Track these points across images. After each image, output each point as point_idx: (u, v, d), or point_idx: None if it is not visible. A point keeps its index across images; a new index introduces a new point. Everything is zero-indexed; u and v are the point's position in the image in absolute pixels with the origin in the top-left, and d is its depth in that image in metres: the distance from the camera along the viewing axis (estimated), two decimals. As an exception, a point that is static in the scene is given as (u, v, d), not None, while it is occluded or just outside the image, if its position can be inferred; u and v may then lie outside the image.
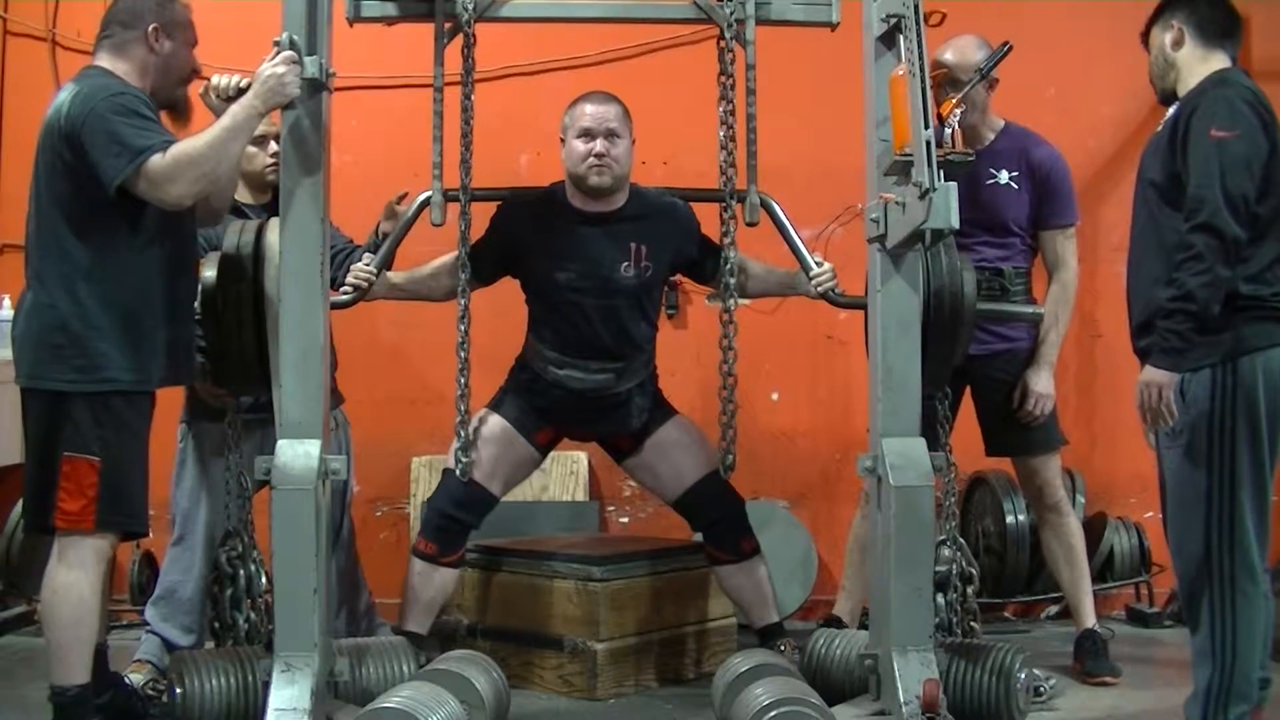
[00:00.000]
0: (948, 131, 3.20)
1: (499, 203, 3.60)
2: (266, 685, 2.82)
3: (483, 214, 3.51)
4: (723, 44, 3.36)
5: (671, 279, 4.41)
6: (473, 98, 3.30)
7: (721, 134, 3.37)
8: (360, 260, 3.44)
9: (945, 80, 3.58)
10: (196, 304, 3.07)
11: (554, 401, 3.56)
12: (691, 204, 3.62)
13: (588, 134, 3.45)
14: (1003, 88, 3.73)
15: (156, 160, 2.79)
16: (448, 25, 3.33)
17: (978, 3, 3.95)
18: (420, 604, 3.49)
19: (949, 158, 2.81)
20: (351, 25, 3.31)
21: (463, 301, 3.36)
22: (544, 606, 3.62)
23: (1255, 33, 4.18)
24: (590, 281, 3.48)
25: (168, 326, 2.96)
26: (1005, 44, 3.58)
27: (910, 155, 2.70)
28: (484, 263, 3.48)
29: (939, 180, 2.62)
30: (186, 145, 2.82)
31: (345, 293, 3.36)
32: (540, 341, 3.56)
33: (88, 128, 2.82)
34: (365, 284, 3.36)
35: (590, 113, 3.47)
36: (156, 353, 2.93)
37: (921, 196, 2.64)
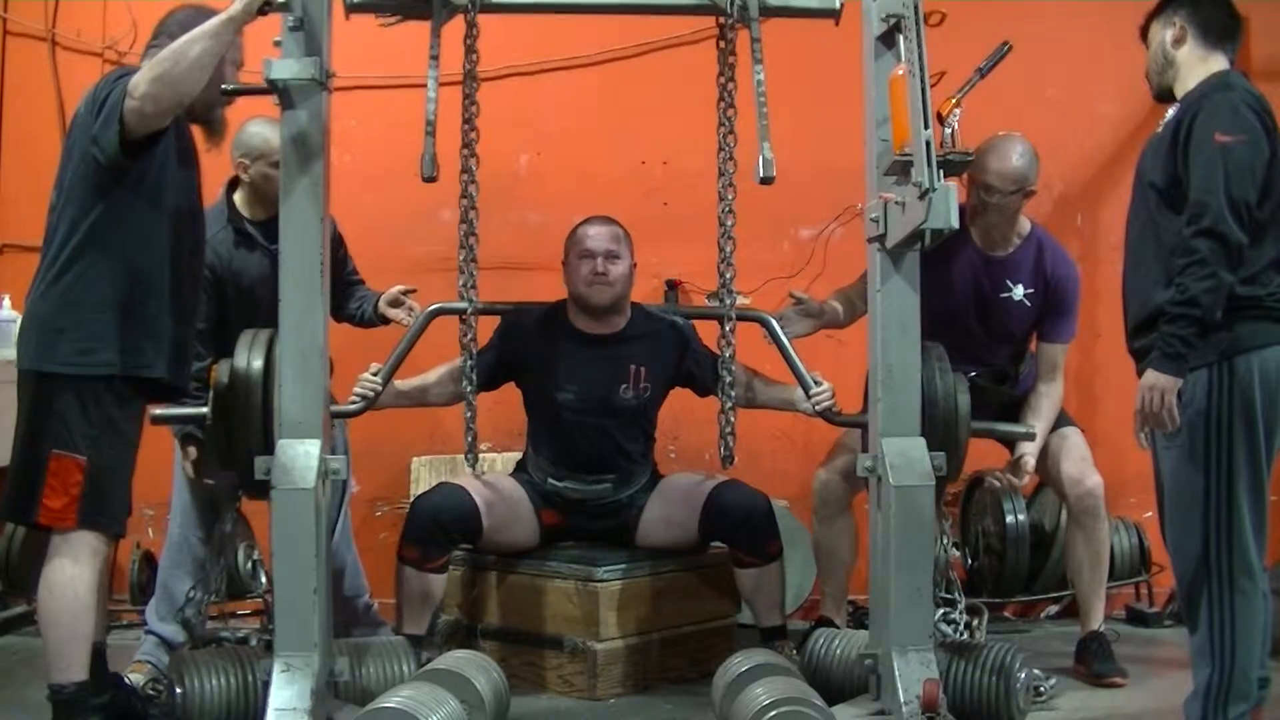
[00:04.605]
0: (948, 131, 3.21)
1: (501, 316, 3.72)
2: (266, 685, 2.82)
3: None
4: (723, 32, 3.34)
5: (671, 281, 4.42)
6: (476, 76, 3.31)
7: (719, 134, 3.38)
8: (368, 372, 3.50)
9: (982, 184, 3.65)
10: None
11: (555, 506, 3.68)
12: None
13: (589, 254, 3.60)
14: (1003, 88, 3.73)
15: (133, 78, 2.80)
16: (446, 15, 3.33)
17: (978, 3, 3.95)
18: (413, 606, 3.51)
19: (949, 157, 2.81)
20: (348, 16, 3.29)
21: (470, 297, 3.37)
22: (544, 606, 3.62)
23: (1255, 33, 4.18)
24: (588, 403, 3.61)
25: (171, 319, 2.96)
26: (1005, 44, 3.58)
27: (910, 155, 2.70)
28: (484, 371, 3.58)
29: (939, 180, 2.62)
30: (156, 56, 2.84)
31: (353, 403, 3.43)
32: (539, 454, 3.71)
33: (95, 101, 2.87)
34: (372, 394, 3.43)
35: (591, 234, 3.64)
36: (160, 339, 2.94)
37: (921, 196, 2.64)
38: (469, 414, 3.49)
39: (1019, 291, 3.72)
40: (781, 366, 3.53)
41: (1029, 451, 3.65)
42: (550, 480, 3.66)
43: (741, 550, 3.61)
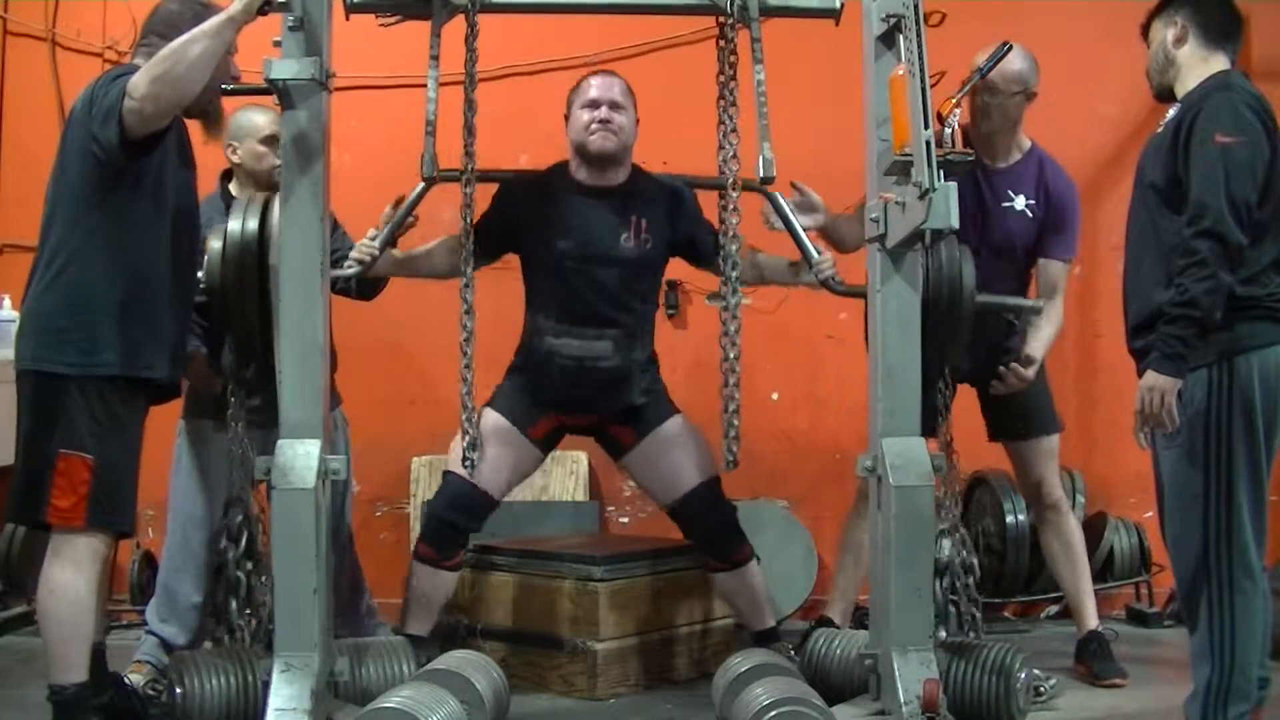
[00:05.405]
0: (948, 131, 3.20)
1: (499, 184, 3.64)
2: (266, 685, 2.82)
3: (484, 199, 3.51)
4: (723, 32, 3.32)
5: (672, 282, 4.41)
6: (475, 74, 3.29)
7: (720, 134, 3.37)
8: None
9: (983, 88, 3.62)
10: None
11: (551, 378, 3.54)
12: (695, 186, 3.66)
13: (593, 104, 3.54)
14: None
15: (133, 78, 2.80)
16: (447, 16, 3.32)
17: (978, 3, 3.95)
18: (421, 606, 3.49)
19: (949, 158, 2.81)
20: (348, 16, 3.28)
21: (467, 298, 3.35)
22: (544, 606, 3.62)
23: (1255, 33, 4.18)
24: (589, 250, 3.52)
25: (171, 319, 2.96)
26: (1005, 44, 3.58)
27: (910, 155, 2.70)
28: (486, 237, 3.49)
29: (939, 180, 2.62)
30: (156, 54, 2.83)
31: (349, 266, 3.38)
32: (538, 312, 3.58)
33: (93, 100, 2.87)
34: (369, 258, 3.38)
35: (596, 84, 3.58)
36: (160, 340, 2.94)
37: (921, 196, 2.65)
38: (463, 415, 3.39)
39: (1020, 202, 3.72)
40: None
41: (1037, 355, 3.67)
42: (548, 339, 3.53)
43: (708, 557, 3.62)
